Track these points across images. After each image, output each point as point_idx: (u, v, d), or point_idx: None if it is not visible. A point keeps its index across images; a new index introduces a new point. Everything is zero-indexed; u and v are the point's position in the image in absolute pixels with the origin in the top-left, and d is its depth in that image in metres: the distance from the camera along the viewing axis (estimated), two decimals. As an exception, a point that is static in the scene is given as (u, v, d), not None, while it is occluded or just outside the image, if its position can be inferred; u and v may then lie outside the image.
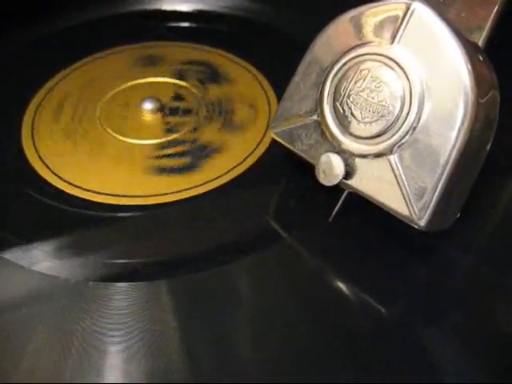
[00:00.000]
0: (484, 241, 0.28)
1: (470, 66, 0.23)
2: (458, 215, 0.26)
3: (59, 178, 0.31)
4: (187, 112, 0.35)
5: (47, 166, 0.32)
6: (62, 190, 0.30)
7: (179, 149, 0.32)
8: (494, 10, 0.28)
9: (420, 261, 0.27)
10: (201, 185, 0.30)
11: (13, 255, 0.27)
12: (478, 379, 0.23)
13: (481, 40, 0.27)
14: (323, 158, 0.26)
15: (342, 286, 0.26)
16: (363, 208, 0.26)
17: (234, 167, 0.31)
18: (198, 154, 0.32)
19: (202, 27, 0.42)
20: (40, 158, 0.32)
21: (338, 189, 0.27)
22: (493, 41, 0.27)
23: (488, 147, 0.25)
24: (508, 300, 0.26)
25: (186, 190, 0.30)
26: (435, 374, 0.23)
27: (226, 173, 0.31)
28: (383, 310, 0.25)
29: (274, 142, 0.31)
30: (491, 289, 0.26)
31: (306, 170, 0.27)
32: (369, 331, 0.24)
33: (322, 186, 0.27)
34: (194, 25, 0.42)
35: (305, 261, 0.28)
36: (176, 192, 0.30)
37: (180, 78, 0.37)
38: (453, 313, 0.25)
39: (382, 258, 0.27)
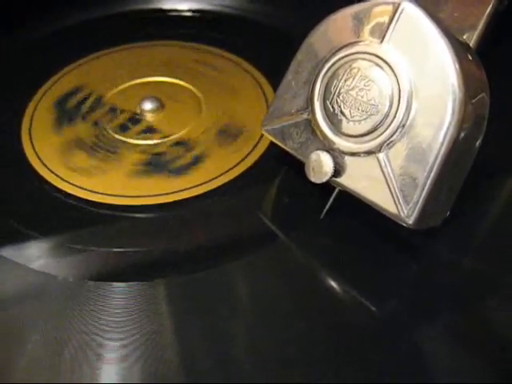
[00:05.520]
0: (474, 239, 0.28)
1: (457, 65, 0.23)
2: (448, 214, 0.26)
3: (58, 177, 0.31)
4: (186, 112, 0.35)
5: (46, 166, 0.32)
6: (61, 189, 0.31)
7: (179, 149, 0.33)
8: (487, 10, 0.28)
9: (410, 259, 0.27)
10: (198, 186, 0.31)
11: (11, 253, 0.28)
12: (473, 379, 0.23)
13: (473, 40, 0.27)
14: (313, 155, 0.26)
15: (334, 284, 0.26)
16: (354, 206, 0.26)
17: (232, 168, 0.31)
18: (198, 155, 0.32)
19: (202, 27, 0.42)
20: (39, 157, 0.32)
21: (333, 188, 0.27)
22: (488, 41, 0.28)
23: (477, 147, 0.25)
24: (500, 298, 0.26)
25: (183, 190, 0.30)
26: (428, 373, 0.23)
27: (223, 173, 0.31)
28: (374, 309, 0.25)
29: (271, 143, 0.31)
30: (482, 287, 0.26)
31: (301, 169, 0.28)
32: (361, 329, 0.24)
33: (317, 185, 0.27)
34: (193, 24, 0.42)
35: (298, 259, 0.28)
36: (173, 193, 0.30)
37: (180, 77, 0.37)
38: (443, 311, 0.25)
39: (373, 257, 0.27)
